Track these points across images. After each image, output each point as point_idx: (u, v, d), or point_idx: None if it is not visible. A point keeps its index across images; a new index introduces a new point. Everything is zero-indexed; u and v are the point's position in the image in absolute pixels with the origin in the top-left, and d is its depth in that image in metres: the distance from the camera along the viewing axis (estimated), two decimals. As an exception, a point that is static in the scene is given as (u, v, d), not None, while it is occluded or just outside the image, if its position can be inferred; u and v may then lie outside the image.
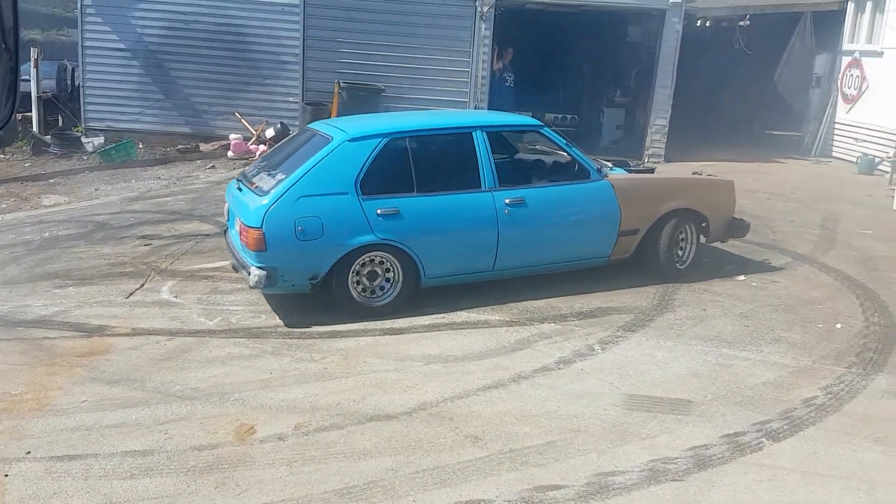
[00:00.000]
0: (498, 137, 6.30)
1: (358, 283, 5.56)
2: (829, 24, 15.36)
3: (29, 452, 3.71)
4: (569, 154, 6.27)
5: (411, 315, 5.60)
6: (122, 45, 13.43)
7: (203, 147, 12.92)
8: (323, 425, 3.99)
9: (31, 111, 12.96)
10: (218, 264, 6.70)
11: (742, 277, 6.75)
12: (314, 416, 4.09)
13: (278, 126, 13.42)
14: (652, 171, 7.02)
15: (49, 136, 12.79)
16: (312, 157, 5.54)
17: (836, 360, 5.02)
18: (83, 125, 13.49)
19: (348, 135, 5.62)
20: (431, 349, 5.04)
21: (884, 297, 6.33)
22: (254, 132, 13.18)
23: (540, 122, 6.64)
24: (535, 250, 6.06)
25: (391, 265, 5.63)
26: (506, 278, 6.08)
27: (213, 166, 11.71)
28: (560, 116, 14.70)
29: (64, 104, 14.60)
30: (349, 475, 3.55)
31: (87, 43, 13.34)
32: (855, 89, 14.50)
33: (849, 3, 14.95)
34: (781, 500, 3.46)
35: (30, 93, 12.64)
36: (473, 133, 5.90)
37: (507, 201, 5.82)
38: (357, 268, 5.52)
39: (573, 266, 6.36)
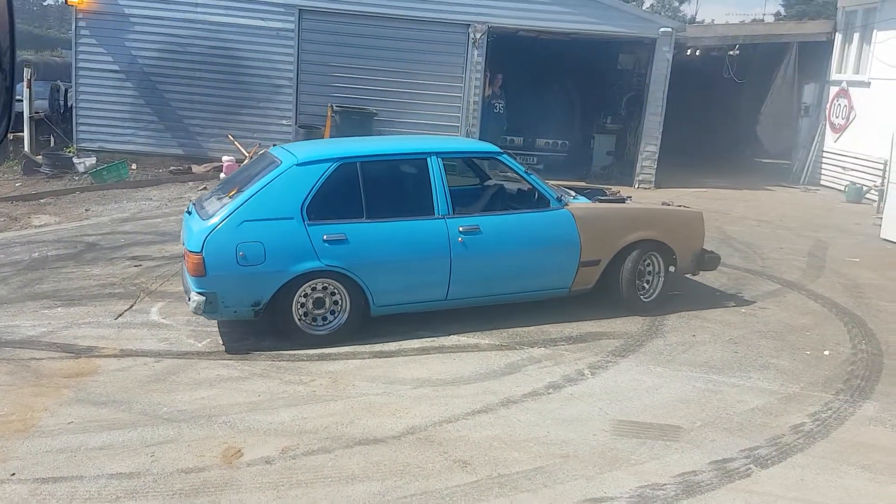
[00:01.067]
0: (460, 164, 6.18)
1: (304, 311, 5.44)
2: (817, 55, 15.59)
3: (13, 474, 3.67)
4: (528, 182, 6.16)
5: (401, 339, 5.60)
6: (115, 67, 13.49)
7: (195, 169, 12.94)
8: (311, 449, 3.96)
9: (23, 131, 12.96)
10: (208, 286, 6.68)
11: (731, 304, 6.78)
12: (302, 439, 4.06)
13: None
14: (623, 200, 6.75)
15: (40, 157, 12.78)
16: (260, 181, 5.43)
17: (825, 387, 5.04)
18: (75, 146, 13.50)
19: (297, 159, 5.54)
20: (421, 373, 5.03)
21: (871, 325, 6.36)
22: (247, 154, 13.20)
23: (498, 150, 6.48)
24: (490, 280, 5.91)
25: (338, 293, 5.49)
26: (460, 307, 5.95)
27: (205, 188, 11.70)
28: (551, 142, 14.82)
29: (56, 124, 14.62)
30: (336, 500, 3.52)
31: (81, 64, 13.38)
32: (843, 118, 14.69)
33: (836, 33, 15.19)
34: (770, 527, 3.46)
35: (22, 112, 12.65)
36: (428, 159, 5.79)
37: (460, 229, 5.68)
38: (302, 295, 5.39)
39: (532, 297, 6.20)
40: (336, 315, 5.54)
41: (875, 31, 13.94)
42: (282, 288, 5.29)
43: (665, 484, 3.76)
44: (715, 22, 18.91)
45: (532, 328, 5.92)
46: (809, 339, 5.98)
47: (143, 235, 8.52)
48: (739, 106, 17.08)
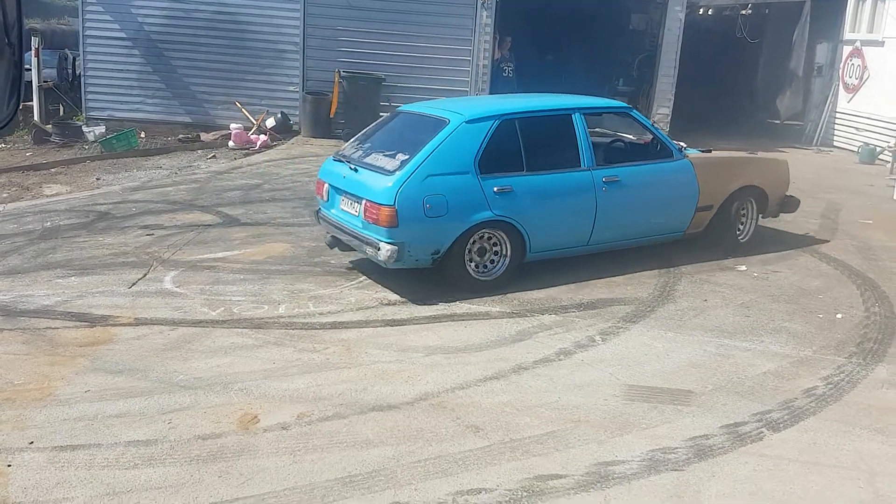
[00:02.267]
0: (591, 119, 6.60)
1: (470, 258, 5.92)
2: (830, 14, 15.29)
3: (32, 442, 3.74)
4: (654, 134, 6.83)
5: (413, 306, 5.62)
6: (122, 35, 13.41)
7: (204, 137, 12.91)
8: (326, 415, 4.01)
9: (32, 101, 12.94)
10: (220, 255, 6.71)
11: (743, 268, 6.76)
12: (317, 405, 4.11)
13: (279, 116, 13.41)
14: (709, 151, 7.42)
15: (50, 126, 12.78)
16: (433, 138, 5.84)
17: (837, 351, 5.04)
18: (84, 114, 13.48)
19: (464, 116, 5.97)
20: (433, 340, 5.05)
21: (884, 287, 6.34)
22: (254, 122, 13.16)
23: (629, 105, 7.15)
24: (624, 225, 6.52)
25: (500, 240, 5.99)
26: (598, 252, 6.53)
27: (214, 156, 11.70)
28: (561, 106, 14.66)
29: (65, 93, 14.59)
30: (352, 464, 3.57)
31: (88, 32, 13.31)
32: (856, 79, 14.46)
33: (851, -9, 14.89)
34: (781, 489, 3.48)
35: (31, 82, 12.61)
36: (573, 115, 6.32)
37: (603, 179, 6.26)
38: (472, 243, 5.87)
39: (654, 240, 6.87)
40: (496, 262, 6.06)
41: (891, -12, 13.66)
42: (459, 237, 5.78)
43: (676, 448, 3.78)
44: (728, -20, 18.57)
45: (542, 294, 5.93)
46: (822, 302, 5.97)
47: (155, 204, 8.54)
48: (752, 66, 16.84)
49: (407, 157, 5.77)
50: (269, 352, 4.80)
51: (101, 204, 8.56)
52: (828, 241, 7.75)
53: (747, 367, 4.75)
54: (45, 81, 13.63)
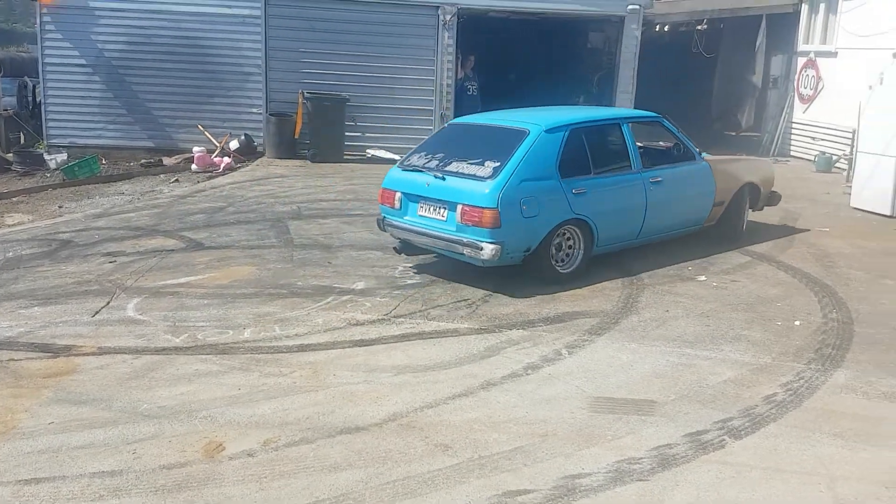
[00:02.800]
0: (633, 128, 7.37)
1: (551, 254, 6.59)
2: (784, 26, 15.70)
3: (-5, 478, 3.67)
4: (680, 141, 7.69)
5: (381, 325, 5.64)
6: (82, 61, 13.33)
7: (166, 161, 12.84)
8: (292, 440, 4.00)
9: (-10, 129, 12.78)
10: (184, 280, 6.67)
11: (703, 278, 6.89)
12: (283, 430, 4.10)
13: (242, 138, 13.40)
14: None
15: (11, 154, 12.62)
16: (518, 146, 6.45)
17: (796, 357, 5.15)
18: (45, 142, 13.34)
19: (542, 127, 6.64)
20: (401, 360, 5.07)
21: (841, 294, 6.49)
22: (217, 144, 13.12)
23: (660, 115, 7.92)
24: (665, 219, 7.37)
25: (574, 236, 6.71)
26: (644, 244, 7.40)
27: (176, 180, 11.63)
28: (525, 122, 14.83)
29: (25, 121, 14.43)
30: (319, 489, 3.57)
31: (48, 59, 13.21)
32: (811, 89, 14.84)
33: (802, 4, 15.30)
34: (744, 496, 3.55)
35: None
36: (622, 124, 7.18)
37: (650, 180, 7.13)
38: (555, 240, 6.55)
39: (681, 233, 7.73)
40: (571, 256, 6.77)
41: (840, 0, 14.06)
42: (547, 235, 6.43)
43: (641, 458, 3.84)
44: (683, -4, 18.97)
45: (510, 310, 5.99)
46: (780, 309, 6.10)
47: (117, 231, 8.47)
48: (709, 80, 17.19)
49: (498, 164, 6.34)
50: (235, 377, 4.77)
51: (64, 232, 8.46)
52: (786, 250, 7.92)
53: (708, 375, 4.84)
54: (5, 110, 13.48)
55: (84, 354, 5.11)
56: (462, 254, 6.38)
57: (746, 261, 7.50)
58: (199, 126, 13.40)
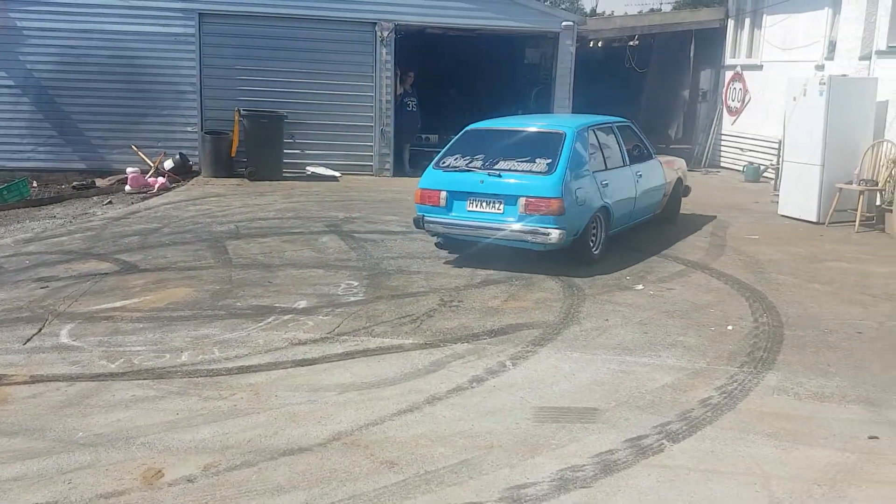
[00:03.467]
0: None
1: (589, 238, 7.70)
2: (712, 41, 16.26)
3: (-81, 517, 3.51)
4: (642, 142, 9.11)
5: (324, 344, 5.60)
6: (10, 82, 12.98)
7: (99, 182, 12.53)
8: (234, 464, 3.93)
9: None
10: (118, 304, 6.50)
11: (640, 287, 7.05)
12: (224, 455, 4.02)
13: (177, 157, 13.17)
14: None
15: (-68, 179, 12.12)
16: (560, 146, 7.49)
17: (729, 361, 5.31)
18: (-29, 166, 12.87)
19: (574, 128, 7.74)
20: (345, 378, 5.03)
21: (771, 298, 6.73)
22: (152, 164, 12.87)
23: (628, 119, 9.43)
24: (642, 205, 8.70)
25: (597, 222, 7.73)
26: (626, 228, 8.53)
27: (110, 202, 11.35)
28: (465, 138, 14.94)
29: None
30: (263, 511, 3.51)
31: (-27, 80, 12.78)
32: (738, 101, 15.38)
33: (729, 19, 15.88)
34: (683, 499, 3.63)
35: None
36: (613, 126, 8.59)
37: (637, 173, 8.49)
38: (592, 225, 7.67)
39: (647, 219, 9.05)
40: (597, 239, 7.81)
41: (765, 15, 14.66)
42: (589, 220, 7.54)
43: (584, 465, 3.90)
44: (615, 13, 19.48)
45: (454, 324, 6.01)
46: (713, 315, 6.28)
47: (49, 255, 8.20)
48: (641, 94, 17.65)
49: (550, 161, 7.38)
50: (173, 402, 4.66)
51: (-10, 258, 8.16)
52: (717, 258, 8.17)
53: (647, 381, 4.95)
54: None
55: (16, 383, 4.93)
56: (525, 241, 7.39)
57: (681, 269, 7.71)
58: (133, 146, 13.12)
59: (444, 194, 7.61)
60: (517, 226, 7.28)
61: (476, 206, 7.48)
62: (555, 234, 7.17)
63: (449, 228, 7.71)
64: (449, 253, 8.08)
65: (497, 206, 7.37)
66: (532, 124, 8.24)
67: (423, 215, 7.77)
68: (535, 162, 7.42)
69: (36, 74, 13.03)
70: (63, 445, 4.14)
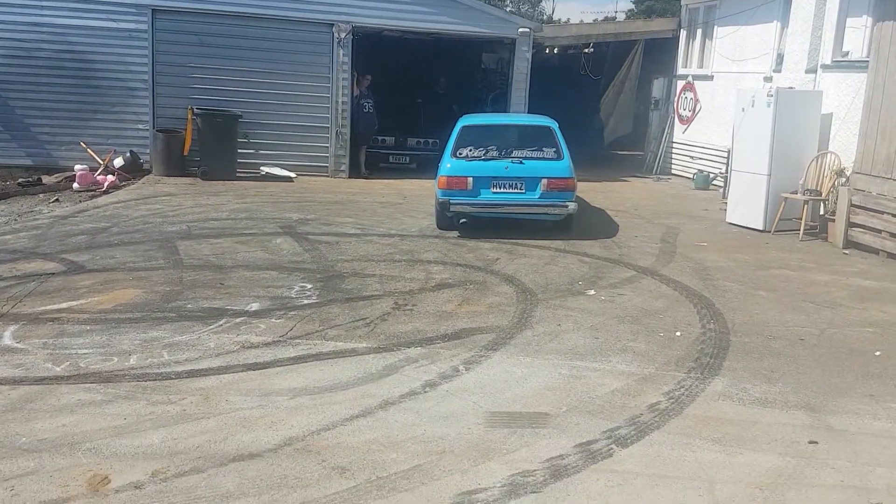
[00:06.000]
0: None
1: None
2: (664, 51, 16.57)
3: None
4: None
5: (276, 348, 5.55)
6: (-47, 75, 12.55)
7: (46, 179, 12.20)
8: (183, 470, 3.87)
9: None
10: (65, 305, 6.35)
11: (592, 292, 7.16)
12: (173, 460, 3.96)
13: (128, 155, 12.92)
14: None
15: None
16: (555, 137, 9.53)
17: (677, 366, 5.42)
18: None
19: (552, 122, 9.86)
20: (297, 382, 5.00)
21: (718, 305, 6.89)
22: (101, 162, 12.59)
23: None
24: None
25: None
26: None
27: (57, 199, 11.07)
28: (422, 141, 14.98)
29: None
30: (212, 518, 3.47)
31: (-88, 72, 12.34)
32: (689, 111, 15.70)
33: (681, 30, 16.20)
34: (630, 503, 3.70)
35: None
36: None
37: None
38: None
39: None
40: None
41: (716, 27, 14.99)
42: None
43: (535, 470, 3.94)
44: (570, 20, 19.75)
45: (409, 328, 6.02)
46: (662, 321, 6.41)
47: (-9, 254, 7.97)
48: (596, 101, 17.89)
49: (554, 149, 9.37)
50: (120, 407, 4.58)
51: (-71, 256, 7.89)
52: (667, 264, 8.33)
53: (597, 386, 5.03)
54: None
55: (-47, 388, 4.78)
56: (547, 214, 9.28)
57: (631, 275, 7.84)
58: (82, 143, 12.83)
59: (471, 180, 9.10)
60: (540, 202, 9.14)
61: (500, 188, 9.12)
62: (572, 206, 9.11)
63: (477, 208, 9.19)
64: (459, 236, 9.27)
65: (519, 186, 9.10)
66: (516, 120, 10.48)
67: (449, 199, 9.10)
68: (543, 150, 9.31)
69: (-20, 67, 12.66)
70: (5, 451, 4.02)
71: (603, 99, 17.40)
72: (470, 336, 5.90)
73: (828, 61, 10.84)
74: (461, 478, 3.87)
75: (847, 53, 10.59)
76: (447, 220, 9.51)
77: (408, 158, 14.89)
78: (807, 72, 11.38)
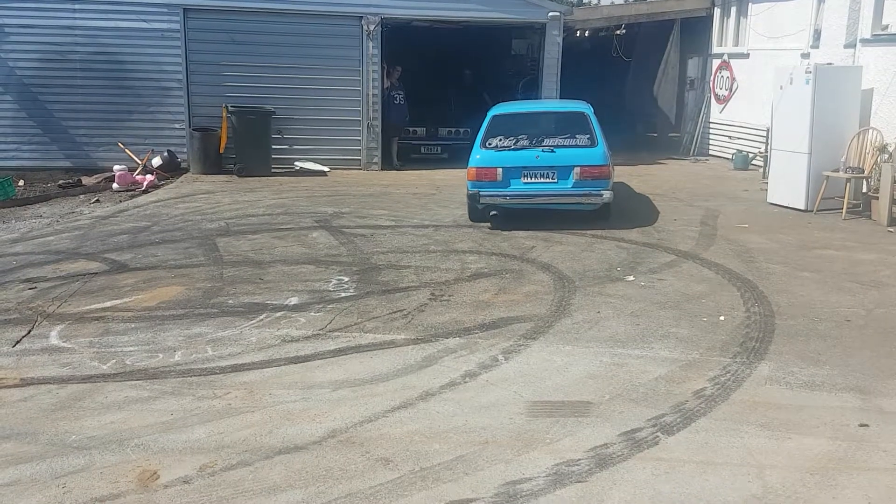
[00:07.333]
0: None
1: None
2: (698, 30, 16.26)
3: (-88, 524, 3.49)
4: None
5: (316, 341, 5.59)
6: (-8, 80, 12.82)
7: (86, 181, 12.41)
8: (230, 464, 3.92)
9: None
10: (109, 304, 6.47)
11: (631, 278, 7.07)
12: (220, 455, 4.01)
13: (165, 154, 13.09)
14: None
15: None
16: (588, 123, 9.15)
17: (722, 352, 5.33)
18: (-46, 165, 12.73)
19: (588, 108, 9.51)
20: (338, 375, 5.03)
21: (762, 288, 6.76)
22: (139, 162, 12.79)
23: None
24: None
25: None
26: None
27: (97, 200, 11.27)
28: (453, 131, 14.90)
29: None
30: (260, 511, 3.51)
31: (-46, 79, 12.64)
32: (726, 90, 15.40)
33: (715, 8, 15.87)
34: (679, 491, 3.65)
35: None
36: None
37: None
38: None
39: None
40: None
41: (750, 4, 14.65)
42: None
43: (579, 459, 3.91)
44: (601, 3, 19.48)
45: (446, 318, 6.01)
46: (705, 306, 6.30)
47: (36, 256, 8.14)
48: (629, 83, 17.65)
49: (588, 136, 8.99)
50: (167, 402, 4.65)
51: (-23, 259, 8.09)
52: (708, 247, 8.20)
53: (640, 373, 4.97)
54: None
55: (6, 387, 4.90)
56: (580, 203, 8.88)
57: (671, 259, 7.73)
58: (120, 143, 13.03)
59: (500, 170, 8.83)
60: (573, 191, 8.79)
61: (531, 178, 8.83)
62: (607, 195, 8.73)
63: (508, 200, 8.90)
64: (491, 228, 9.01)
65: (551, 176, 8.79)
66: (549, 107, 10.31)
67: (479, 191, 8.90)
68: (576, 137, 8.95)
69: (18, 72, 12.90)
70: (56, 449, 4.12)
71: (657, 86, 17.06)
72: (508, 325, 5.87)
73: (867, 35, 10.53)
74: (505, 468, 3.85)
75: (887, 27, 10.28)
76: (479, 211, 9.17)
77: (439, 149, 14.84)
78: (845, 47, 11.07)
